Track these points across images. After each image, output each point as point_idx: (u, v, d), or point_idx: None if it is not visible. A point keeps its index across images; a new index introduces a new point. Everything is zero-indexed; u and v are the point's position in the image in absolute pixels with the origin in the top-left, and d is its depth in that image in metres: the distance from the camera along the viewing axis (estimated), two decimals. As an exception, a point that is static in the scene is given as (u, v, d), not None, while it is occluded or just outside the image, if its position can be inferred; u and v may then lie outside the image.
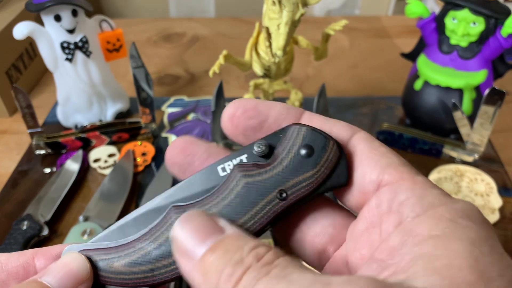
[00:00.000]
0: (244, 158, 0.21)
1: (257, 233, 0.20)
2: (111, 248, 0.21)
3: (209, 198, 0.20)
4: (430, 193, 0.18)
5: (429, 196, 0.18)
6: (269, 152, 0.21)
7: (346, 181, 0.20)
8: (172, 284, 0.46)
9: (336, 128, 0.21)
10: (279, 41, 0.51)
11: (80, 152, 0.62)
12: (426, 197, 0.18)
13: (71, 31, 0.61)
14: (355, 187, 0.20)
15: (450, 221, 0.16)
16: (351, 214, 0.22)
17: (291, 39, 0.56)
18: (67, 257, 0.20)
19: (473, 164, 0.60)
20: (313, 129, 0.20)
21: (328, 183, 0.20)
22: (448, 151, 0.61)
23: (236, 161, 0.21)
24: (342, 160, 0.20)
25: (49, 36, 0.60)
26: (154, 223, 0.21)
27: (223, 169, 0.21)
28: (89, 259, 0.21)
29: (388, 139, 0.64)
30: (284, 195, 0.20)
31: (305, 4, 0.50)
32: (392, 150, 0.20)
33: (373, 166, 0.19)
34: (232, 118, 0.21)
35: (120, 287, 0.20)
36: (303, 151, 0.20)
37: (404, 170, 0.19)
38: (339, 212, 0.22)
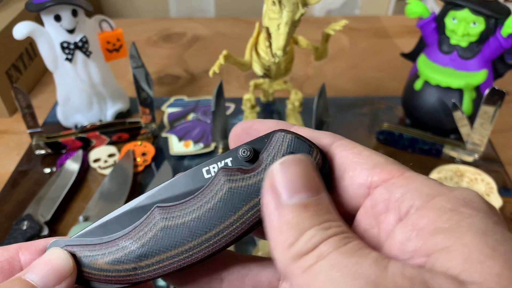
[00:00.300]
0: (229, 161, 0.21)
1: (239, 237, 0.20)
2: (96, 245, 0.21)
3: (193, 200, 0.20)
4: (425, 184, 0.18)
5: (424, 188, 0.17)
6: (254, 157, 0.21)
7: (330, 187, 0.20)
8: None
9: (317, 137, 0.21)
10: (279, 41, 0.51)
11: (80, 152, 0.62)
12: (422, 189, 0.17)
13: (71, 31, 0.61)
14: (345, 194, 0.20)
15: (452, 211, 0.16)
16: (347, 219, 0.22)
17: (291, 39, 0.56)
18: (50, 254, 0.21)
19: (473, 164, 0.60)
20: (298, 137, 0.20)
21: None
22: (448, 151, 0.61)
23: (221, 164, 0.21)
24: (325, 168, 0.20)
25: (49, 36, 0.60)
26: (138, 222, 0.21)
27: (208, 171, 0.21)
28: (74, 255, 0.21)
29: (388, 139, 0.64)
30: None
31: (305, 4, 0.50)
32: (376, 152, 0.20)
33: (359, 170, 0.19)
34: (234, 136, 0.23)
35: (104, 283, 0.21)
36: None
37: (393, 168, 0.19)
38: None
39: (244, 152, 0.21)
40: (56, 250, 0.21)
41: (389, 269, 0.15)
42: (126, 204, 0.22)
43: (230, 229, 0.20)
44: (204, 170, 0.21)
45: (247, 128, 0.23)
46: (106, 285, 0.21)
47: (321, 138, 0.21)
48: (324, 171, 0.20)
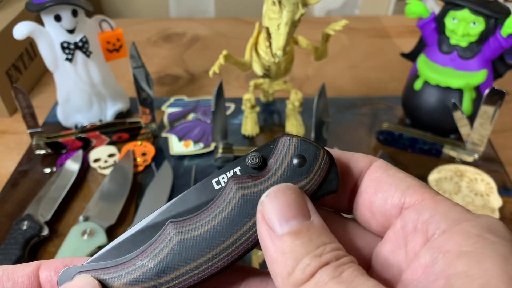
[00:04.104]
0: (237, 170, 0.21)
1: (256, 244, 0.20)
2: (111, 267, 0.21)
3: (207, 212, 0.20)
4: (453, 210, 0.18)
5: (452, 213, 0.18)
6: (262, 164, 0.21)
7: (337, 187, 0.21)
8: None
9: (354, 159, 0.22)
10: (279, 41, 0.51)
11: (80, 152, 0.62)
12: (450, 214, 0.18)
13: (71, 31, 0.61)
14: (377, 212, 0.21)
15: (477, 236, 0.17)
16: (375, 237, 0.22)
17: (291, 39, 0.56)
18: (80, 281, 0.21)
19: (473, 164, 0.60)
20: (304, 139, 0.21)
21: (321, 190, 0.21)
22: (448, 151, 0.61)
23: (229, 174, 0.21)
24: (333, 168, 0.21)
25: (49, 36, 0.60)
26: (153, 239, 0.21)
27: (218, 183, 0.21)
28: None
29: (388, 139, 0.64)
30: None
31: (305, 4, 0.50)
32: (410, 175, 0.21)
33: (393, 191, 0.20)
34: None
35: None
36: (295, 161, 0.20)
37: (425, 191, 0.20)
38: (361, 236, 0.22)
39: (253, 159, 0.21)
40: (87, 278, 0.21)
41: None
42: (138, 224, 0.21)
43: (246, 235, 0.20)
44: (213, 181, 0.21)
45: None
46: None
47: (359, 160, 0.22)
48: (333, 171, 0.21)
